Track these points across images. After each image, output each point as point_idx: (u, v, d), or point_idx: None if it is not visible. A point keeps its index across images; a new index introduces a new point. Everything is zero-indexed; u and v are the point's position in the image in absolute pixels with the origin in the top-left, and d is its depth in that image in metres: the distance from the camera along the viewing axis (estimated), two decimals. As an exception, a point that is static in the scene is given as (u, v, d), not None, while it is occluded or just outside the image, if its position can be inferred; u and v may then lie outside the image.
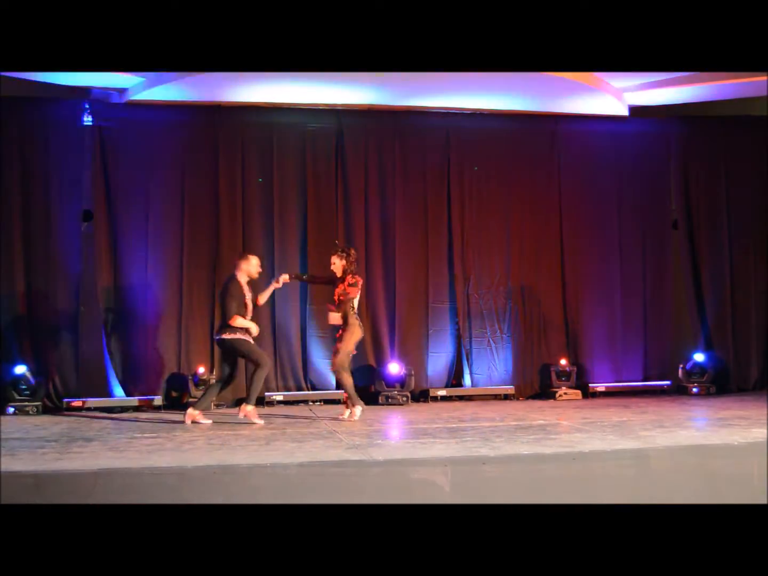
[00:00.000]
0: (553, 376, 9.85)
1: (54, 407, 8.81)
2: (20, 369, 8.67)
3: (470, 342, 9.92)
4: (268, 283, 7.76)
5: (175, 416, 8.01)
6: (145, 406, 8.85)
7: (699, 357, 10.02)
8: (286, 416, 7.78)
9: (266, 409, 8.20)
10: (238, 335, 7.20)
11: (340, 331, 7.57)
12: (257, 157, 9.62)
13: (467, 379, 9.89)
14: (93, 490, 4.61)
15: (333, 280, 7.69)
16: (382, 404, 9.15)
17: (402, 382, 9.38)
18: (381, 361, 9.65)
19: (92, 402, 8.78)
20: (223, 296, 7.32)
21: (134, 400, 8.91)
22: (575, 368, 9.94)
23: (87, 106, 9.19)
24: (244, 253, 7.77)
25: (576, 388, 9.82)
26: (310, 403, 9.22)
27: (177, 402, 9.08)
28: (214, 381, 8.14)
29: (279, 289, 9.40)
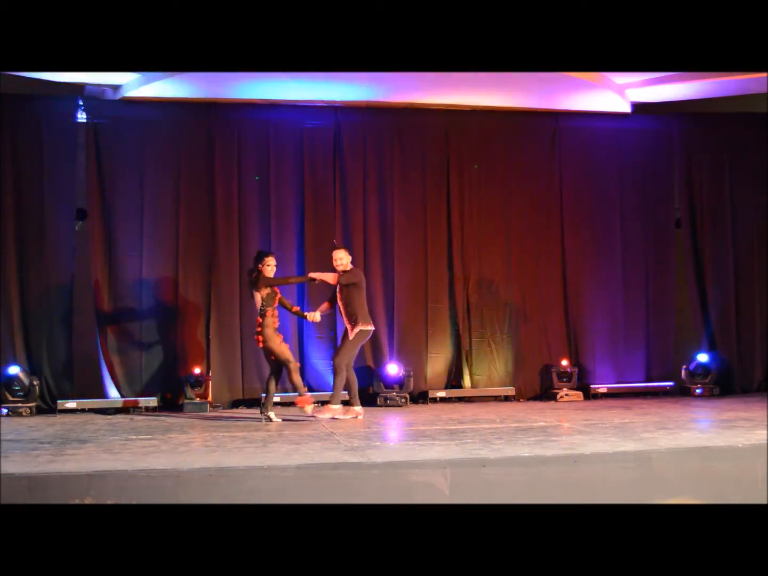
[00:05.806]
0: (554, 377, 9.76)
1: (48, 408, 8.72)
2: (13, 369, 8.57)
3: (470, 342, 9.82)
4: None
5: (170, 418, 7.91)
6: (140, 408, 8.76)
7: (702, 357, 9.91)
8: (283, 418, 7.68)
9: (263, 410, 8.12)
10: None
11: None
12: (253, 154, 9.53)
13: (467, 380, 9.80)
14: (87, 493, 4.54)
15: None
16: (381, 406, 9.07)
17: (401, 383, 9.29)
18: (379, 361, 9.56)
19: (86, 403, 8.72)
20: None
21: (129, 401, 8.83)
22: (576, 369, 9.86)
23: (81, 103, 9.12)
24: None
25: (577, 389, 9.73)
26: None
27: (172, 403, 8.99)
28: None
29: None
